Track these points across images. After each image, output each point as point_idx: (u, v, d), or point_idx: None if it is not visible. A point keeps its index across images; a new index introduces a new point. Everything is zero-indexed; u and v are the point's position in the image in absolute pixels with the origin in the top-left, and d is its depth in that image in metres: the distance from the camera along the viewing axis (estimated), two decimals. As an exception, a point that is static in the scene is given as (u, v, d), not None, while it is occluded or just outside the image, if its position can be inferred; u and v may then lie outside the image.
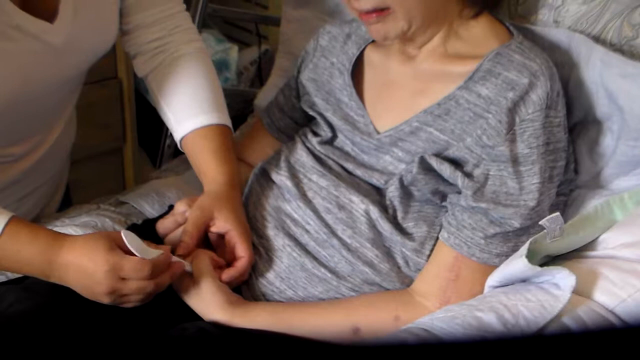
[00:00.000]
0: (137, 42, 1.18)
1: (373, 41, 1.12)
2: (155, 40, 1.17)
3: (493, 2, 1.07)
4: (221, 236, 1.03)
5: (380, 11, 0.99)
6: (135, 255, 0.91)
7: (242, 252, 1.01)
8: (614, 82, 1.00)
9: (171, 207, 1.09)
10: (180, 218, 1.03)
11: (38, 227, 0.96)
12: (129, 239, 0.91)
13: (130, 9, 1.15)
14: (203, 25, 1.92)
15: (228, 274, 1.00)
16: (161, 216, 1.09)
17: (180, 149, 1.15)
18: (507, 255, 0.95)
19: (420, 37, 1.04)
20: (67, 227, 1.10)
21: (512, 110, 0.95)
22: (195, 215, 1.01)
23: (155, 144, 1.83)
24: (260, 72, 2.18)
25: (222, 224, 1.02)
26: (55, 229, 1.10)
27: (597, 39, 1.06)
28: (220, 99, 1.15)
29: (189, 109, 1.12)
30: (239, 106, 1.96)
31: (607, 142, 1.04)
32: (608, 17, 1.07)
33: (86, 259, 0.90)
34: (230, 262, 1.02)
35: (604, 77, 1.01)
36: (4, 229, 0.91)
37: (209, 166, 1.09)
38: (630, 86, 0.98)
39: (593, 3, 1.09)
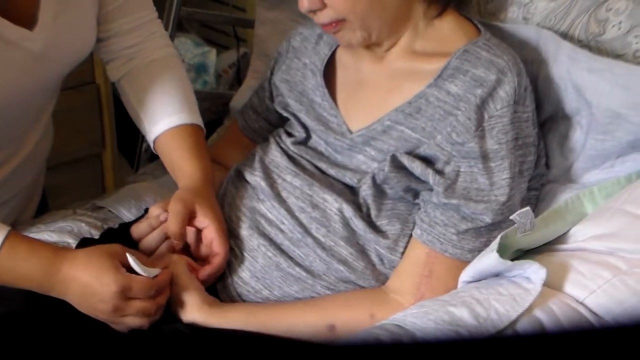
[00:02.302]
0: (113, 49, 1.18)
1: (344, 41, 1.13)
2: (131, 46, 1.17)
3: None
4: (198, 232, 1.03)
5: (337, 23, 1.01)
6: (138, 274, 0.92)
7: (218, 248, 1.01)
8: (581, 77, 1.02)
9: (147, 211, 1.09)
10: (155, 222, 1.03)
11: (37, 241, 0.96)
12: (133, 259, 0.92)
13: (108, 17, 1.15)
14: (180, 29, 1.91)
15: (205, 271, 1.00)
16: (137, 220, 1.09)
17: (153, 150, 1.14)
18: (479, 251, 0.95)
19: (385, 41, 1.05)
20: (42, 232, 1.10)
21: (481, 107, 0.96)
22: (177, 208, 1.00)
23: (135, 149, 1.82)
24: (239, 75, 2.18)
25: (201, 219, 1.02)
26: (31, 235, 1.10)
27: (565, 35, 1.08)
28: (192, 100, 1.15)
29: (162, 110, 1.12)
30: (219, 109, 1.96)
31: (577, 136, 1.06)
32: (575, 13, 1.08)
33: (92, 277, 0.90)
34: (206, 257, 1.02)
35: (572, 72, 1.03)
36: (2, 243, 0.90)
37: (184, 162, 1.09)
38: (597, 81, 1.00)
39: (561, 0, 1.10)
